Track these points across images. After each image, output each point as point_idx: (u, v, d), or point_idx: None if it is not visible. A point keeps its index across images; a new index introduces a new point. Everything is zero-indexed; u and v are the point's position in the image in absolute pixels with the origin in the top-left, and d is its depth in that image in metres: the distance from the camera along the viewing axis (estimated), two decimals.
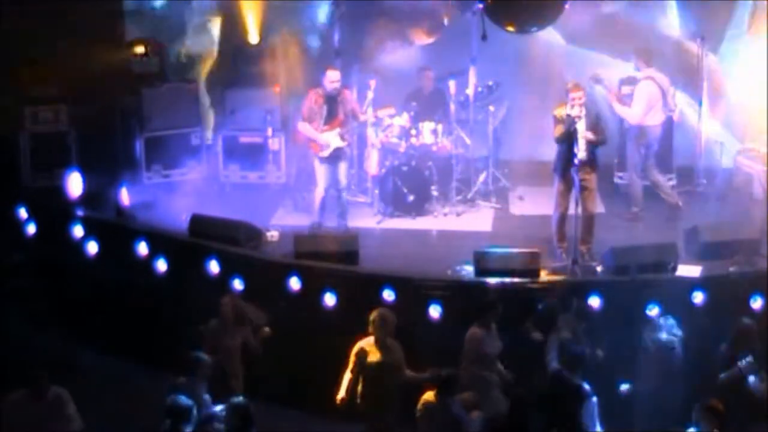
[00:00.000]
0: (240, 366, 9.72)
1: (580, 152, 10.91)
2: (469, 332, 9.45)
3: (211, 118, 14.53)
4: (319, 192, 12.17)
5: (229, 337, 9.69)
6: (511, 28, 12.06)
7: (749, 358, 8.96)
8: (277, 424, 9.67)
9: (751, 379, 8.92)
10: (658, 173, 12.54)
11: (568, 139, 10.98)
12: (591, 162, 11.15)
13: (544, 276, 10.56)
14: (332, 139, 11.99)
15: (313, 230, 12.04)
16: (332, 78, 11.94)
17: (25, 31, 13.12)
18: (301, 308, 10.58)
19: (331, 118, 12.02)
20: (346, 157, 12.31)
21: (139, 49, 13.94)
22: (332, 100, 12.00)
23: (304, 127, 12.11)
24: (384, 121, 12.83)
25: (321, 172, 12.12)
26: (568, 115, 11.02)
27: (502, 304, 9.63)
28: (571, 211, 11.10)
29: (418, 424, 8.68)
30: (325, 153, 12.03)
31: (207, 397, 8.83)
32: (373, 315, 9.22)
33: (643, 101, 12.23)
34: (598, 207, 12.96)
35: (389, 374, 9.08)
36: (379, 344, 9.16)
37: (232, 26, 14.51)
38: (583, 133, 10.96)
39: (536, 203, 12.95)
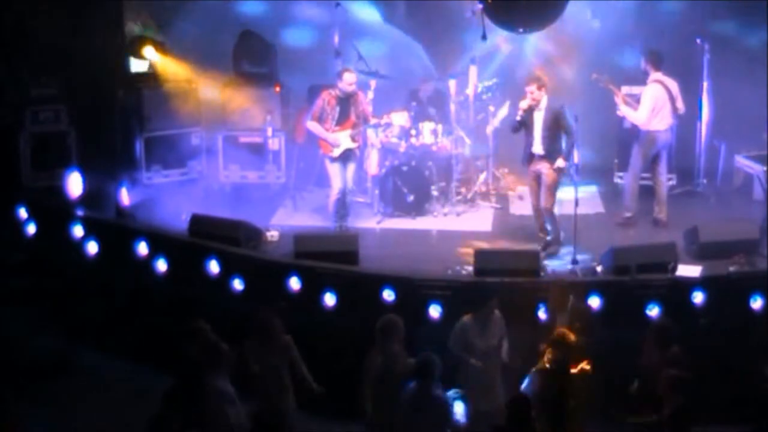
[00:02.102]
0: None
1: (535, 146, 11.31)
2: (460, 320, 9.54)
3: None
4: (334, 193, 12.14)
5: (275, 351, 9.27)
6: (510, 28, 12.06)
7: None
8: None
9: None
10: (664, 183, 12.47)
11: (516, 130, 11.53)
12: (549, 158, 11.34)
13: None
14: (343, 139, 11.99)
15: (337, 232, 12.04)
16: (349, 80, 11.94)
17: (25, 30, 13.13)
18: (301, 308, 10.58)
19: (342, 120, 12.02)
20: (355, 159, 12.29)
21: (140, 49, 13.93)
22: (345, 102, 11.99)
23: (313, 126, 12.11)
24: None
25: (334, 172, 12.11)
26: (519, 107, 11.45)
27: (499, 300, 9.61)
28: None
29: (401, 413, 8.55)
30: (336, 153, 12.02)
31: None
32: (378, 322, 9.11)
33: (648, 104, 12.14)
34: (598, 207, 13.03)
35: (391, 382, 8.91)
36: (382, 351, 9.04)
37: None
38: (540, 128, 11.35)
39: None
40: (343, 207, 12.19)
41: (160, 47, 13.93)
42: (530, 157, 11.48)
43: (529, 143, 11.42)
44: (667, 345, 8.92)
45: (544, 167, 11.39)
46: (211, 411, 8.34)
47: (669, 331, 9.08)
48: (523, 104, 11.37)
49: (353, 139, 12.06)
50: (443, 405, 8.45)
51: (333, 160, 12.08)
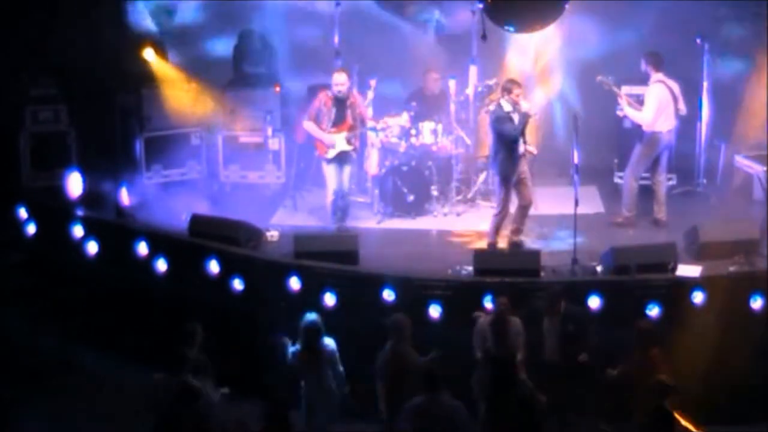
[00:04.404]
0: None
1: (523, 146, 11.40)
2: None
3: None
4: (330, 195, 12.13)
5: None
6: (511, 28, 12.06)
7: None
8: None
9: None
10: (663, 183, 12.46)
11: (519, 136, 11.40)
12: (524, 154, 11.53)
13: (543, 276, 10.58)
14: (338, 141, 11.97)
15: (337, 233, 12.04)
16: (338, 81, 11.93)
17: (26, 30, 13.13)
18: (301, 308, 10.57)
19: (339, 121, 12.00)
20: (352, 162, 12.27)
21: (140, 49, 13.92)
22: (341, 104, 11.98)
23: (309, 126, 12.10)
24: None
25: (330, 173, 12.09)
26: (526, 112, 11.31)
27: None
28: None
29: (405, 422, 8.52)
30: (330, 154, 12.00)
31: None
32: (388, 321, 9.19)
33: (653, 105, 12.10)
34: (598, 207, 13.02)
35: (406, 380, 8.94)
36: (394, 350, 9.11)
37: None
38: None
39: (536, 202, 12.93)
40: (340, 209, 12.17)
41: (161, 48, 13.94)
42: (518, 161, 11.41)
43: (515, 147, 11.33)
44: (648, 347, 8.95)
45: (524, 164, 11.48)
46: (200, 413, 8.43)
47: (650, 333, 9.10)
48: (525, 106, 11.35)
49: (349, 142, 12.03)
50: (454, 412, 8.40)
51: (328, 161, 12.07)
